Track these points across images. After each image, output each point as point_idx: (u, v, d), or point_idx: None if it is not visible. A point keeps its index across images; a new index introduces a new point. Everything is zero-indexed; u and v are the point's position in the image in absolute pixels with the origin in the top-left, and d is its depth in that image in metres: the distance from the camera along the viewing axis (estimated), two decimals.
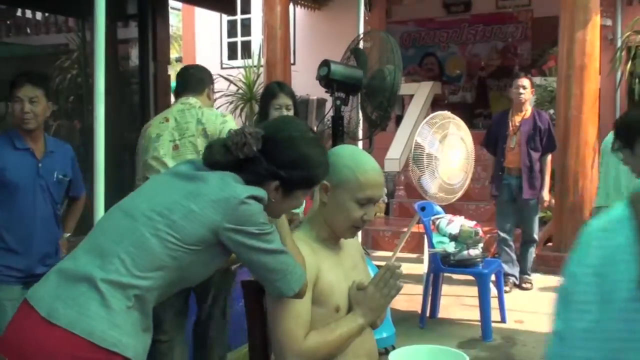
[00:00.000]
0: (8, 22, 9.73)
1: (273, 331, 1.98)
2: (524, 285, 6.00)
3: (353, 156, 2.08)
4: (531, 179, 5.77)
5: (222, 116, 3.31)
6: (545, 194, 5.83)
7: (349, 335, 2.01)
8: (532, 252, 6.06)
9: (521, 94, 5.75)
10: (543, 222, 7.59)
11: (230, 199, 1.81)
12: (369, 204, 2.06)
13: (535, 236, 5.98)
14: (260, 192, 1.86)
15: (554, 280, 6.15)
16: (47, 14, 8.97)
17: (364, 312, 2.04)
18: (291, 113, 3.62)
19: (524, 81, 5.76)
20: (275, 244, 1.88)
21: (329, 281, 2.02)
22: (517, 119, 5.83)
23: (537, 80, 8.68)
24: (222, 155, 1.89)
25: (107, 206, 3.11)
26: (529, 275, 6.03)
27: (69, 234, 3.59)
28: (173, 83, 7.09)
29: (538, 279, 6.12)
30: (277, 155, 1.88)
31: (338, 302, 2.03)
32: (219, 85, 10.69)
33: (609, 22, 7.98)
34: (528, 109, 5.85)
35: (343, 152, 2.11)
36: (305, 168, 1.91)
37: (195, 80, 3.42)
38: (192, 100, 3.33)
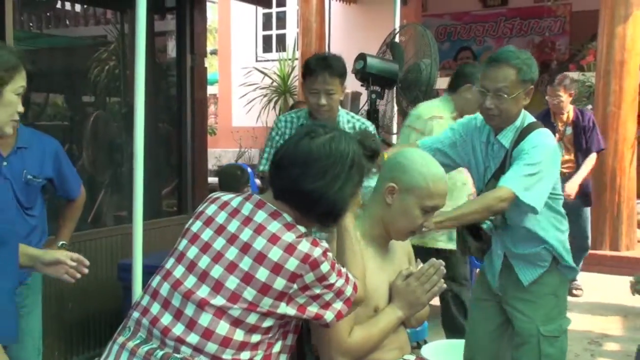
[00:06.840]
0: (48, 14, 9.90)
1: (317, 328, 1.96)
2: (574, 291, 5.76)
3: (425, 162, 2.05)
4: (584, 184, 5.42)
5: None
6: (571, 187, 5.14)
7: (389, 328, 2.02)
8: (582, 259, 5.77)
9: (561, 101, 5.39)
10: None
11: None
12: (432, 212, 2.06)
13: (589, 242, 5.73)
14: None
15: (591, 278, 6.07)
16: (86, 6, 9.11)
17: (402, 305, 2.04)
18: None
19: (559, 90, 5.36)
20: None
21: (371, 282, 1.98)
22: (561, 123, 5.50)
23: (575, 75, 8.54)
24: None
25: (146, 198, 3.14)
26: (577, 281, 5.82)
27: (63, 242, 3.03)
28: (209, 76, 7.17)
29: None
30: None
31: (377, 303, 2.03)
32: (254, 78, 10.81)
33: None
34: (570, 111, 5.50)
35: (415, 157, 2.08)
36: None
37: None
38: None
